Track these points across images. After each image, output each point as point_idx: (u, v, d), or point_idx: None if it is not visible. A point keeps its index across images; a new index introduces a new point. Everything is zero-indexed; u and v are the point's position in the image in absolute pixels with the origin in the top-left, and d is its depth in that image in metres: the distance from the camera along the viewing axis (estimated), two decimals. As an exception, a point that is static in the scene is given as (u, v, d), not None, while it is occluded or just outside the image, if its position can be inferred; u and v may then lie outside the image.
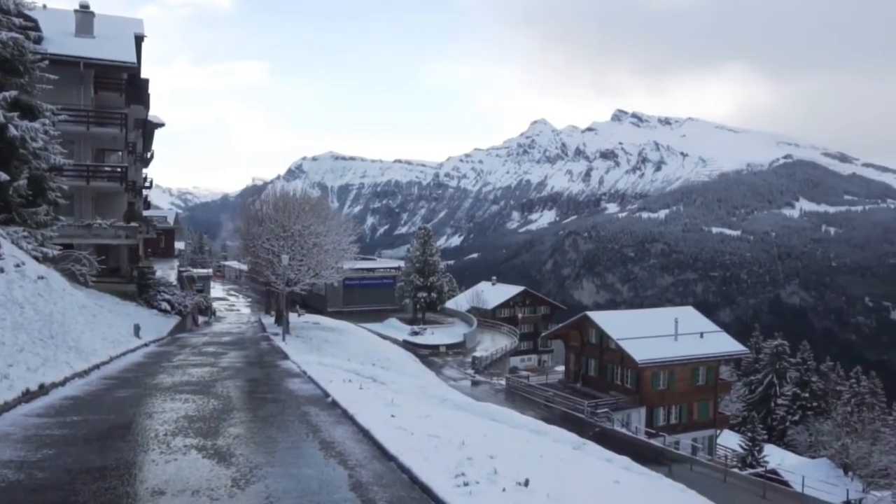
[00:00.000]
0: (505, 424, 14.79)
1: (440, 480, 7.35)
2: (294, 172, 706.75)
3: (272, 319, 47.95)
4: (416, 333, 69.69)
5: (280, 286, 37.96)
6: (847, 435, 52.04)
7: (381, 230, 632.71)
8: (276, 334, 36.30)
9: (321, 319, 53.01)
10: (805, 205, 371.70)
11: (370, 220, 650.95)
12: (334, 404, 13.46)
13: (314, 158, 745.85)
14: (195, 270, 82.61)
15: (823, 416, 62.65)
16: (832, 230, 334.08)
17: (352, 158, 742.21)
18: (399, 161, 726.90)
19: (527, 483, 7.34)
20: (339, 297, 77.62)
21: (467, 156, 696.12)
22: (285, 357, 25.23)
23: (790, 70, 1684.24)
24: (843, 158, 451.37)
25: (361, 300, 78.99)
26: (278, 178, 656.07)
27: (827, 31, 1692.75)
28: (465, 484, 7.21)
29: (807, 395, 70.89)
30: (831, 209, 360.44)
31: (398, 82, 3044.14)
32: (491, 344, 72.78)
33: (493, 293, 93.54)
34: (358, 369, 24.46)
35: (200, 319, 52.30)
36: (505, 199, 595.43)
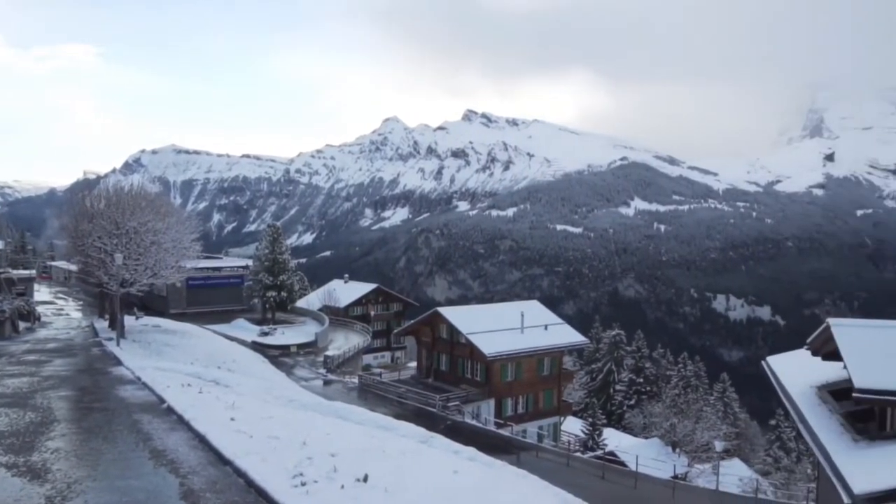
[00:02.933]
0: (351, 422, 14.69)
1: (277, 482, 7.15)
2: (132, 166, 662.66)
3: (106, 323, 44.62)
4: (265, 334, 67.58)
5: (114, 287, 35.40)
6: (675, 415, 56.62)
7: (229, 227, 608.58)
8: (110, 339, 33.86)
9: (162, 322, 50.15)
10: (639, 204, 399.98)
11: (217, 217, 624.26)
12: (170, 410, 12.74)
13: (154, 152, 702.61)
14: (15, 272, 75.07)
15: (656, 399, 67.71)
16: (662, 227, 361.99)
17: (196, 152, 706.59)
18: (247, 156, 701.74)
19: (366, 479, 7.31)
20: (182, 298, 73.77)
21: (319, 152, 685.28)
22: (118, 363, 23.59)
23: (627, 77, 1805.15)
24: (672, 161, 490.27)
25: (207, 301, 75.52)
26: (114, 171, 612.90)
27: (658, 43, 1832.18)
28: (303, 484, 7.06)
29: (641, 380, 76.33)
30: (662, 208, 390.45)
31: (246, 75, 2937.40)
32: (344, 342, 72.03)
33: (346, 291, 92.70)
34: (200, 373, 23.34)
35: (22, 325, 47.66)
36: (358, 197, 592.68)
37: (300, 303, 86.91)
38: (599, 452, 50.06)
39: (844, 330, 15.10)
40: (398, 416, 35.08)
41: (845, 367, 14.17)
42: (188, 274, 56.70)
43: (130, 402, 14.33)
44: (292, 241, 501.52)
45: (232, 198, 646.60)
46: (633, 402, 74.34)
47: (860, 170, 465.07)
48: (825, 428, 15.18)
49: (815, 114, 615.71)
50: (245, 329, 68.52)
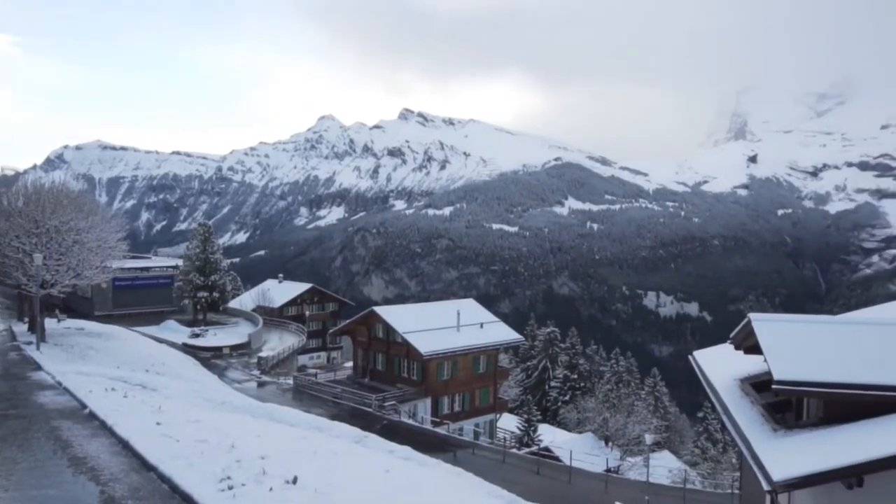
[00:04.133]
0: (284, 424, 14.45)
1: (203, 486, 6.95)
2: (54, 162, 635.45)
3: (25, 327, 42.61)
4: (196, 335, 65.95)
5: (33, 289, 33.83)
6: (607, 410, 57.96)
7: (158, 226, 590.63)
8: (30, 343, 32.37)
9: (87, 325, 48.31)
10: (573, 203, 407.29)
11: (145, 216, 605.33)
12: (92, 416, 12.26)
13: (78, 147, 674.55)
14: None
15: (589, 394, 69.11)
16: (595, 226, 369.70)
17: (123, 149, 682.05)
18: (177, 153, 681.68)
19: (295, 480, 7.20)
20: (109, 300, 71.26)
21: (253, 149, 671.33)
22: (38, 368, 22.57)
23: (560, 79, 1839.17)
24: (604, 162, 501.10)
25: (135, 302, 73.20)
26: (34, 168, 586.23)
27: (592, 46, 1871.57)
28: (230, 487, 6.89)
29: (575, 376, 77.65)
30: (595, 207, 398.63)
31: (175, 69, 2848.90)
32: (278, 343, 71.02)
33: (280, 291, 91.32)
34: (126, 376, 22.57)
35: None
36: (293, 195, 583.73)
37: (233, 303, 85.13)
38: (535, 448, 50.75)
39: (764, 325, 15.67)
40: (334, 417, 34.79)
41: (765, 360, 14.70)
42: (114, 274, 54.82)
43: (49, 409, 13.71)
44: (225, 240, 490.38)
45: (161, 196, 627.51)
46: (567, 398, 75.57)
47: (781, 171, 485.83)
48: (747, 419, 15.74)
49: (740, 117, 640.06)
50: (175, 331, 66.69)
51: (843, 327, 16.47)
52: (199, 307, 73.43)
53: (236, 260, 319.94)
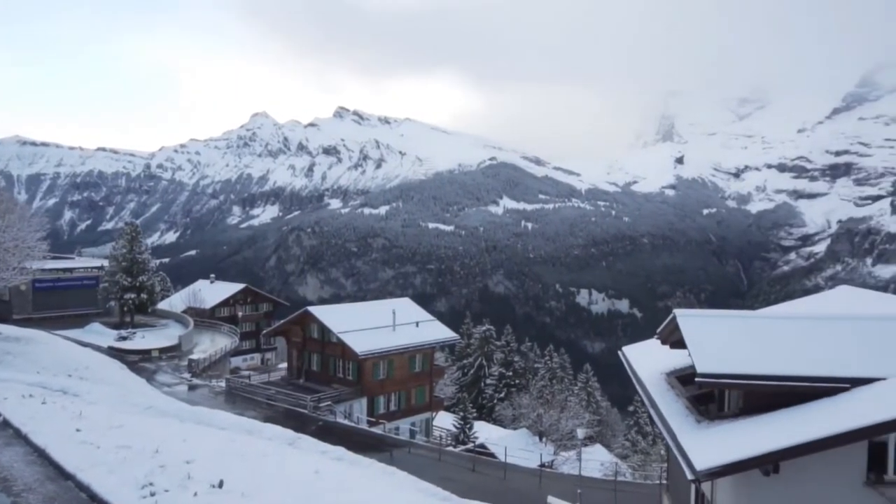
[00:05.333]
0: (214, 427, 14.11)
1: (124, 494, 6.71)
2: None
3: (-66, 332, 40.38)
4: (123, 338, 63.95)
5: (-57, 291, 32.09)
6: (541, 406, 58.85)
7: (83, 226, 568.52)
8: (-61, 349, 30.66)
9: (4, 329, 46.18)
10: (507, 202, 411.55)
11: (69, 215, 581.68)
12: (6, 424, 11.69)
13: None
14: None
15: (524, 391, 69.96)
16: (530, 225, 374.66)
17: (44, 144, 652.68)
18: (103, 149, 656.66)
19: (221, 484, 7.03)
20: (28, 302, 68.31)
21: (183, 146, 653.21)
22: (-52, 375, 21.38)
23: (495, 79, 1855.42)
24: (538, 162, 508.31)
25: (57, 304, 70.43)
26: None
27: (525, 46, 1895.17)
28: (153, 494, 6.69)
29: (511, 373, 78.50)
30: (529, 207, 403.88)
31: (100, 61, 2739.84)
32: (210, 345, 69.43)
33: (212, 292, 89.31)
34: (46, 382, 21.63)
35: None
36: (225, 194, 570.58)
37: (162, 305, 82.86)
38: (470, 446, 51.05)
39: (688, 320, 16.25)
40: (267, 419, 34.21)
41: (689, 354, 15.25)
42: (34, 276, 52.51)
43: (-41, 418, 13.01)
44: (154, 239, 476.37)
45: (86, 194, 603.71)
46: (502, 394, 76.36)
47: (706, 172, 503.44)
48: (672, 411, 16.29)
49: (667, 119, 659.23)
50: (100, 334, 64.48)
51: (762, 322, 17.24)
52: (126, 309, 71.16)
53: (166, 260, 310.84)
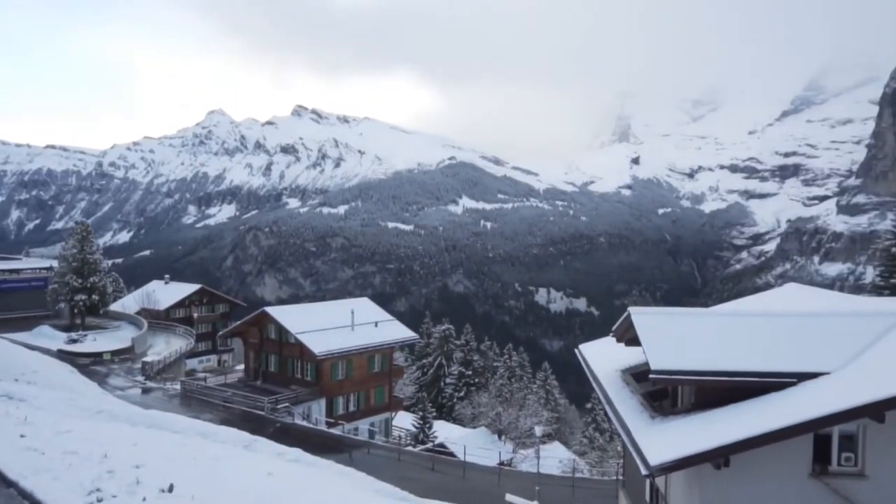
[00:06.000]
0: (166, 431, 13.83)
1: (69, 500, 6.51)
2: None
3: None
4: (74, 341, 62.43)
5: None
6: (500, 404, 59.14)
7: (31, 225, 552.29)
8: None
9: (-56, 333, 44.47)
10: (467, 202, 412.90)
11: (16, 214, 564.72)
12: (-55, 431, 11.25)
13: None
14: None
15: (483, 389, 70.18)
16: (489, 225, 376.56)
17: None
18: (52, 146, 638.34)
19: (171, 489, 6.89)
20: (-28, 305, 66.01)
21: (136, 144, 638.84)
22: None
23: (454, 79, 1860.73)
24: (497, 162, 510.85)
25: (4, 307, 68.99)
26: None
27: (484, 47, 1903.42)
28: (100, 500, 6.50)
29: (470, 372, 78.69)
30: (488, 206, 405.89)
31: (49, 57, 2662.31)
32: (165, 347, 68.19)
33: (167, 292, 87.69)
34: (-10, 387, 20.89)
35: None
36: (180, 193, 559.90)
37: (115, 306, 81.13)
38: (430, 445, 51.08)
39: (642, 318, 16.51)
40: (223, 422, 33.67)
41: (644, 351, 15.50)
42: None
43: None
44: (106, 239, 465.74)
45: (34, 192, 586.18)
46: (462, 393, 76.50)
47: (661, 173, 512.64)
48: (627, 408, 16.54)
49: (623, 120, 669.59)
50: (50, 336, 62.82)
51: (713, 319, 17.62)
52: (76, 311, 69.42)
53: (119, 261, 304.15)
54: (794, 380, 14.03)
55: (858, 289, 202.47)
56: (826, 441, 13.29)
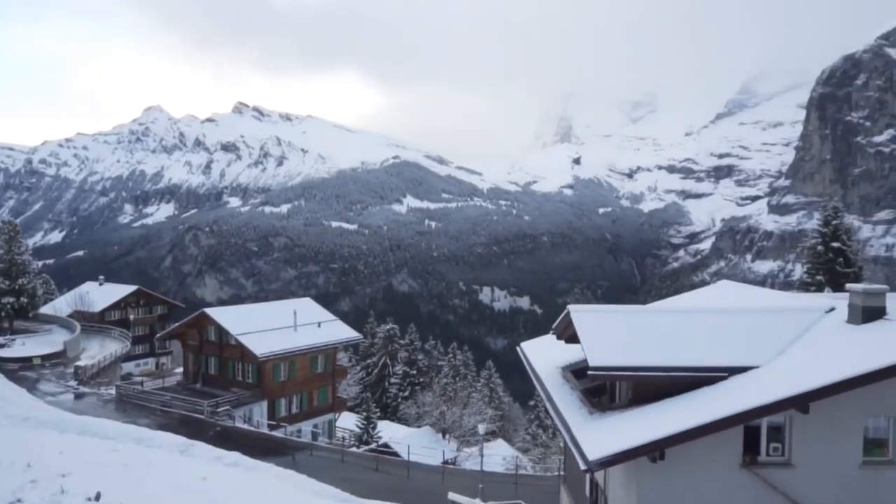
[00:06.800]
0: (98, 437, 13.37)
1: (-11, 513, 6.26)
2: None
3: None
4: (1, 346, 59.77)
5: None
6: (445, 403, 59.35)
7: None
8: None
9: None
10: (411, 201, 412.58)
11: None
12: None
13: None
14: None
15: (428, 389, 70.26)
16: (433, 224, 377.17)
17: None
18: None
19: (98, 497, 6.67)
20: None
21: (69, 140, 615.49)
22: None
23: (398, 79, 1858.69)
24: (441, 161, 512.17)
25: (-77, 311, 64.86)
26: None
27: (428, 49, 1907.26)
28: (22, 511, 6.27)
29: (415, 372, 78.65)
30: (432, 205, 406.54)
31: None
32: (99, 350, 66.05)
33: (102, 294, 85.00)
34: None
35: None
36: (116, 191, 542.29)
37: (45, 309, 78.28)
38: (374, 445, 50.85)
39: (581, 316, 16.80)
40: (161, 427, 32.79)
41: (582, 348, 15.76)
42: None
43: None
44: (36, 240, 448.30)
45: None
46: (407, 393, 76.41)
47: (601, 173, 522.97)
48: (567, 404, 16.80)
49: (565, 121, 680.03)
50: (-27, 342, 59.96)
51: (650, 316, 18.05)
52: (3, 314, 66.56)
53: (50, 261, 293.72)
54: (726, 374, 14.50)
55: (788, 285, 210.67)
56: (755, 432, 13.77)
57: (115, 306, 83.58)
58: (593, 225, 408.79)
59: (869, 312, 14.96)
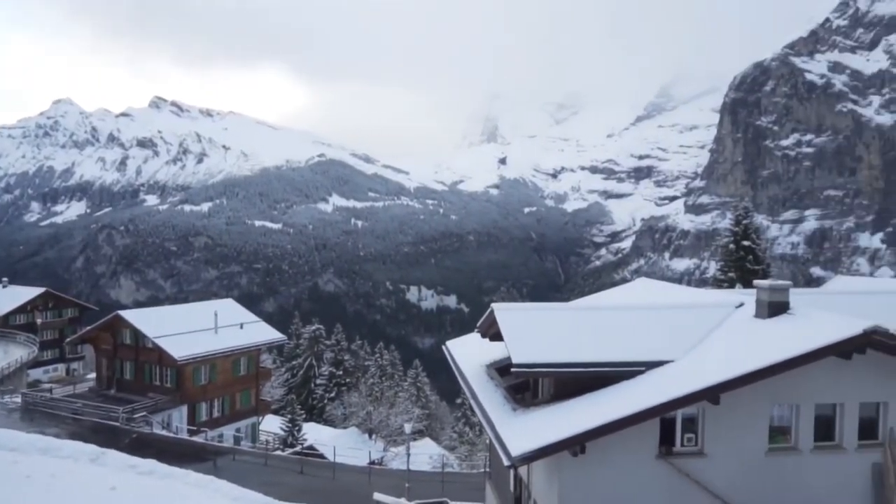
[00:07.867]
0: (3, 449, 12.63)
1: None
2: None
3: None
4: None
5: None
6: (371, 403, 59.04)
7: None
8: None
9: None
10: (337, 200, 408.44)
11: None
12: None
13: None
14: None
15: (354, 389, 69.68)
16: (360, 223, 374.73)
17: None
18: None
19: (-4, 512, 6.28)
20: None
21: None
22: None
23: (323, 77, 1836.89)
24: (368, 159, 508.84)
25: None
26: None
27: (353, 47, 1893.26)
28: None
29: (341, 372, 77.86)
30: (359, 204, 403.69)
31: None
32: (3, 356, 62.63)
33: (5, 297, 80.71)
34: None
35: None
36: (21, 188, 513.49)
37: (-58, 313, 73.41)
38: (299, 448, 50.14)
39: (505, 314, 16.99)
40: (72, 435, 31.29)
41: (506, 346, 15.95)
42: None
43: None
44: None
45: None
46: (333, 394, 75.60)
47: (527, 173, 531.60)
48: (491, 401, 16.96)
49: (491, 121, 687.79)
50: None
51: (571, 313, 18.43)
52: None
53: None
54: (643, 368, 14.96)
55: (703, 282, 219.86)
56: (671, 424, 14.26)
57: (21, 310, 79.42)
58: (519, 224, 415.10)
59: (774, 307, 15.73)
